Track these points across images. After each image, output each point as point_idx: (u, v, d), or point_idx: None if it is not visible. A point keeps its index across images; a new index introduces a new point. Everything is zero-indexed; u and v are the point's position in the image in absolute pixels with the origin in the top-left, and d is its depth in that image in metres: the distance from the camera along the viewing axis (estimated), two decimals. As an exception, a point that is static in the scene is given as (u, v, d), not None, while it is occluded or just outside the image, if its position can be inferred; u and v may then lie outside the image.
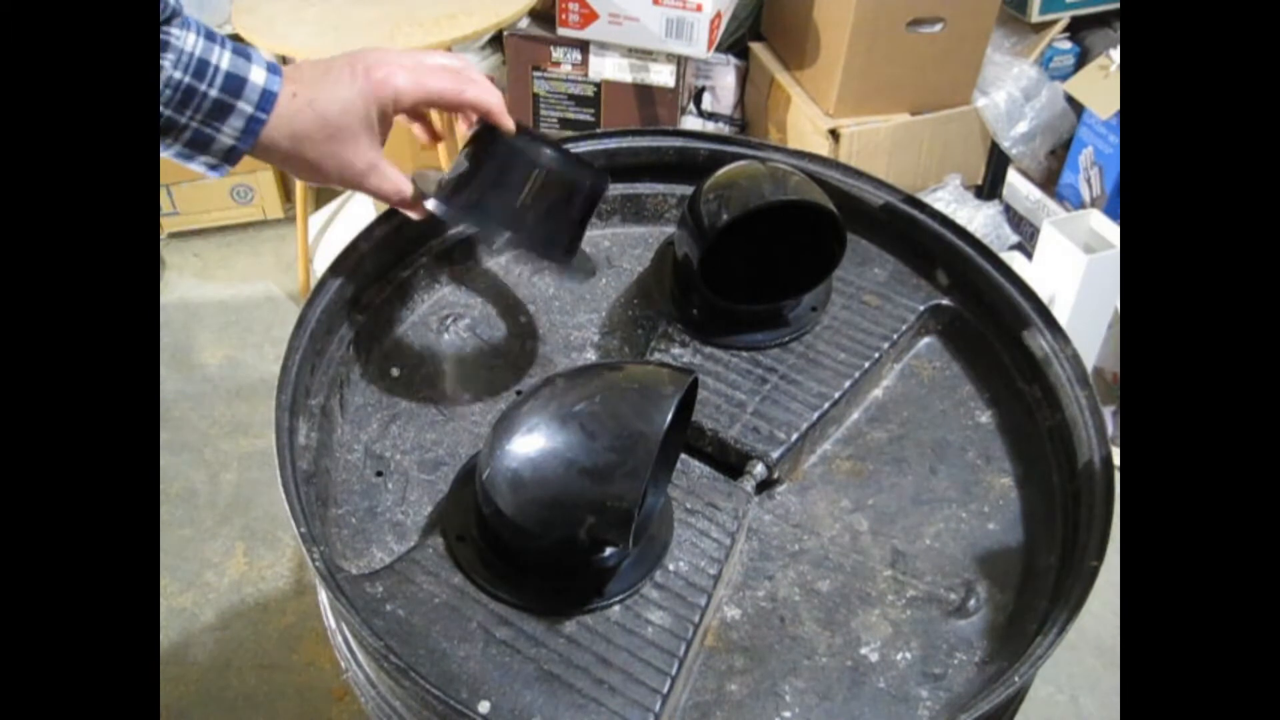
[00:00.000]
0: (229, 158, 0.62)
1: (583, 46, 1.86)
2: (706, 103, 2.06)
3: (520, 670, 0.59)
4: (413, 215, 0.71)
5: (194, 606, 1.47)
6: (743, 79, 2.06)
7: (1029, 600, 0.65)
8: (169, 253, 2.07)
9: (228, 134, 0.61)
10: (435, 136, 0.76)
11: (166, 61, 0.57)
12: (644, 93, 1.90)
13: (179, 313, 1.95)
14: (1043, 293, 0.86)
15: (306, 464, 0.67)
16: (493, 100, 0.67)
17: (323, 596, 0.70)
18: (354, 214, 2.00)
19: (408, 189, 0.68)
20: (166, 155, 0.61)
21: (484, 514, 0.60)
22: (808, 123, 1.87)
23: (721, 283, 0.75)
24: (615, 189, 0.89)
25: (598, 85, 1.91)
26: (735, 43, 2.06)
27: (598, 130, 0.88)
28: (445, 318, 0.81)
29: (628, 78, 1.89)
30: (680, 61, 1.86)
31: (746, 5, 2.02)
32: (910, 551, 0.69)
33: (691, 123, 2.03)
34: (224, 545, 1.56)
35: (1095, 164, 1.82)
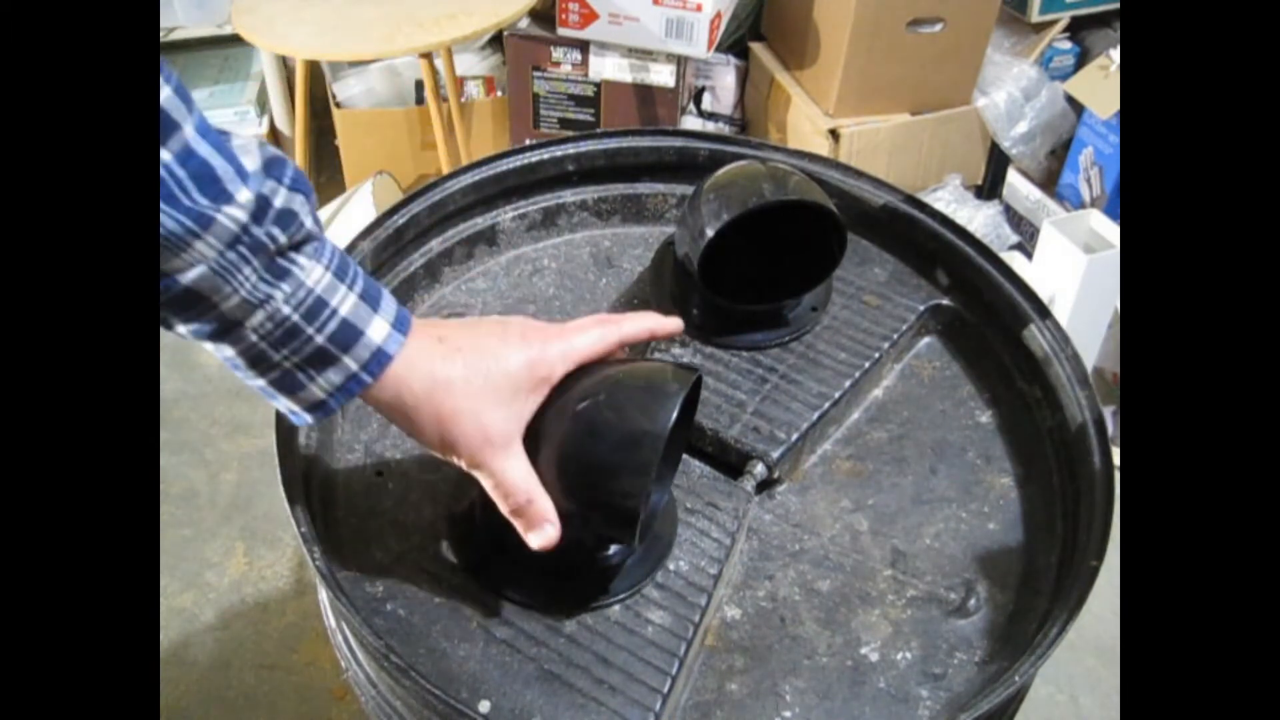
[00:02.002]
0: (316, 410, 0.53)
1: (583, 46, 1.86)
2: (706, 103, 2.06)
3: (520, 670, 0.59)
4: (530, 540, 0.57)
5: (194, 606, 1.47)
6: (743, 79, 2.07)
7: (1029, 600, 0.65)
8: (169, 253, 2.07)
9: (320, 387, 0.52)
10: None
11: (280, 293, 0.49)
12: (644, 93, 1.91)
13: (179, 313, 1.95)
14: (1043, 293, 0.86)
15: (306, 464, 0.67)
16: (647, 322, 0.61)
17: (323, 596, 0.70)
18: (354, 214, 2.00)
19: (547, 509, 0.56)
20: (251, 385, 0.52)
21: (488, 513, 0.60)
22: (808, 123, 1.87)
23: (721, 283, 0.75)
24: (615, 189, 0.89)
25: (598, 85, 1.91)
26: (735, 43, 2.06)
27: (598, 130, 0.88)
28: (446, 318, 0.81)
29: (628, 78, 1.89)
30: (680, 61, 1.86)
31: (746, 5, 2.02)
32: (910, 551, 0.69)
33: (691, 123, 2.04)
34: (224, 545, 1.56)
35: (1095, 164, 1.82)
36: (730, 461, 0.72)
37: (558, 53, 1.88)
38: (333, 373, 0.52)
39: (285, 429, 0.65)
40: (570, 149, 0.85)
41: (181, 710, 1.35)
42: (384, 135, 2.01)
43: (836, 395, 0.74)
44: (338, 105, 2.00)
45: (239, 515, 1.60)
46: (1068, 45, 1.97)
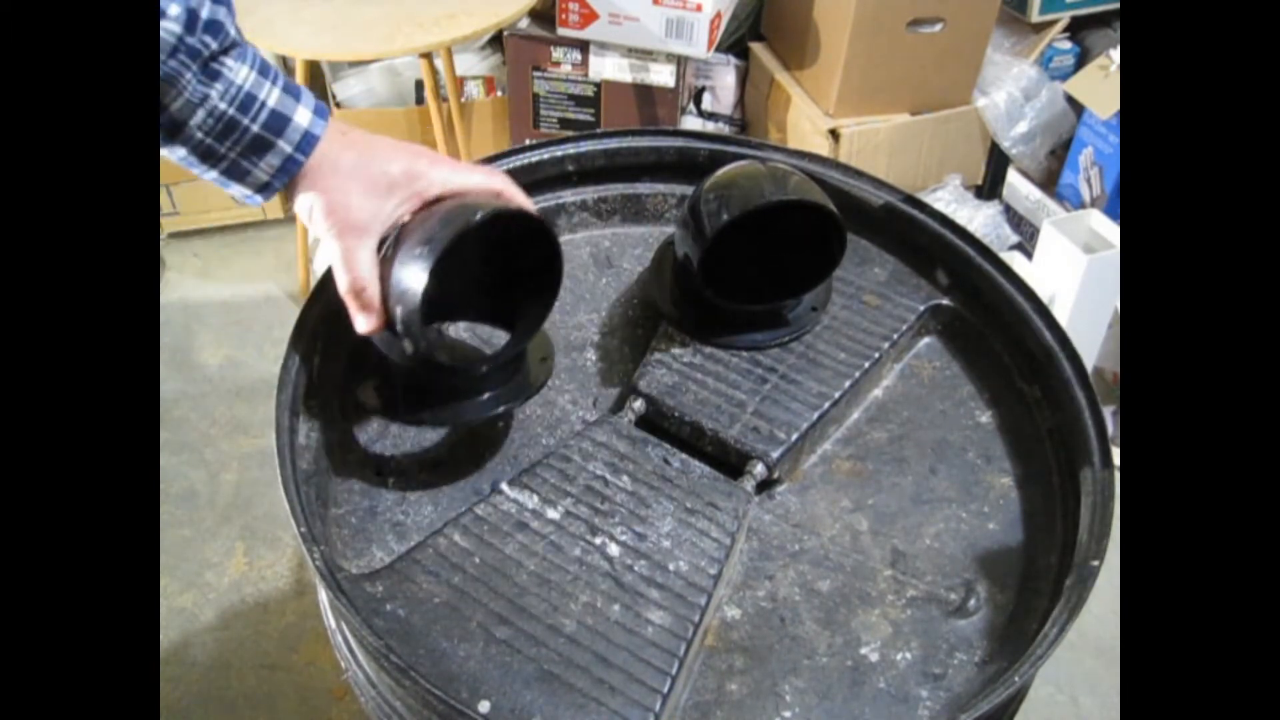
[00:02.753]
0: (264, 191, 0.62)
1: (583, 46, 1.86)
2: (706, 103, 2.06)
3: (520, 670, 0.59)
4: (358, 324, 0.64)
5: (194, 606, 1.47)
6: (743, 79, 2.06)
7: (1029, 600, 0.65)
8: (169, 253, 2.07)
9: (263, 170, 0.61)
10: None
11: (214, 91, 0.57)
12: (644, 93, 1.90)
13: (179, 313, 1.95)
14: (1043, 293, 0.86)
15: (306, 464, 0.67)
16: (528, 203, 0.68)
17: (323, 596, 0.70)
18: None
19: (377, 298, 0.64)
20: (205, 177, 0.61)
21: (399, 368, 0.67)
22: (808, 123, 1.87)
23: (721, 283, 0.75)
24: (615, 189, 0.89)
25: (598, 85, 1.91)
26: (735, 43, 2.06)
27: (598, 130, 0.88)
28: (445, 318, 0.81)
29: (628, 78, 1.89)
30: (680, 61, 1.86)
31: (746, 5, 2.02)
32: (910, 551, 0.69)
33: (691, 123, 2.03)
34: (224, 545, 1.56)
35: (1095, 164, 1.82)
36: (730, 461, 0.72)
37: (558, 53, 1.88)
38: (271, 156, 0.60)
39: (285, 429, 0.65)
40: (570, 149, 0.85)
41: (181, 710, 1.35)
42: (384, 135, 2.00)
43: (836, 395, 0.74)
44: (338, 105, 2.00)
45: (239, 515, 1.60)
46: (1068, 45, 1.97)
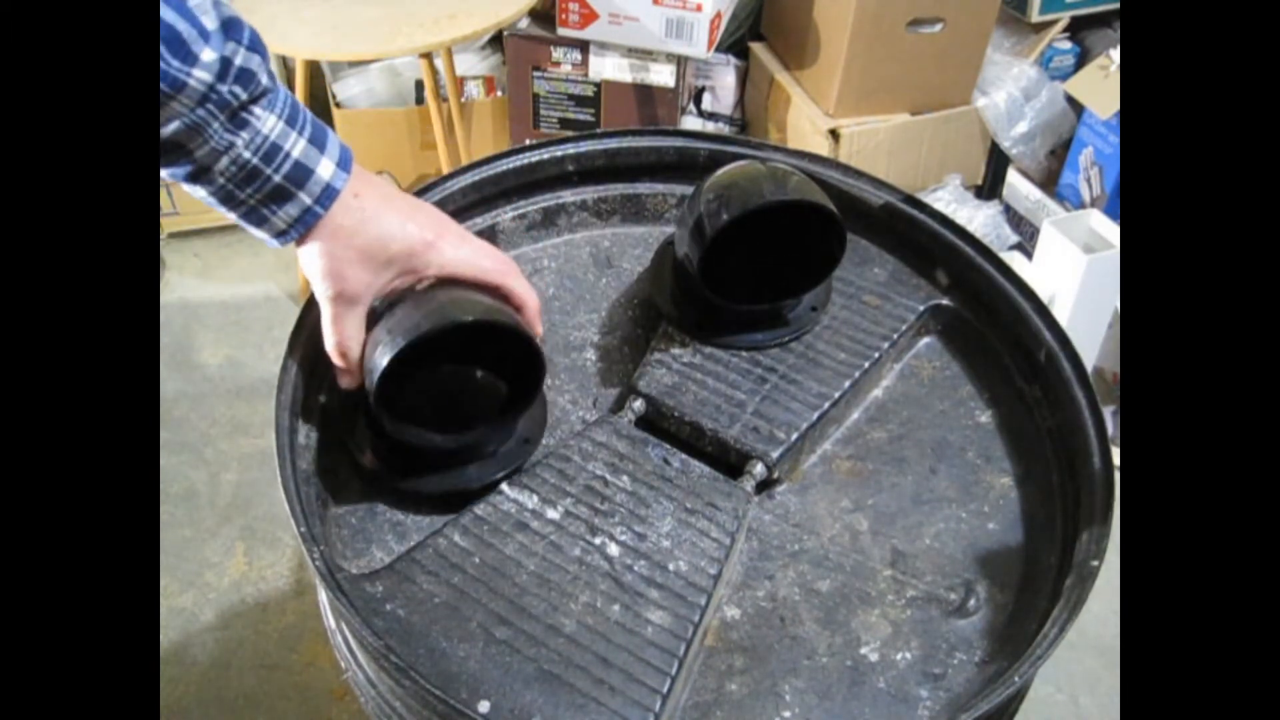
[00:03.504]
0: (280, 237, 0.62)
1: (583, 46, 1.86)
2: (706, 103, 2.06)
3: (520, 670, 0.59)
4: (341, 381, 0.68)
5: (194, 606, 1.47)
6: (743, 79, 2.07)
7: (1029, 600, 0.65)
8: (169, 253, 2.07)
9: (281, 219, 0.61)
10: None
11: (240, 140, 0.57)
12: (644, 93, 1.91)
13: (179, 313, 1.95)
14: (1043, 293, 0.86)
15: (306, 464, 0.67)
16: (531, 300, 0.69)
17: (323, 596, 0.70)
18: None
19: (357, 365, 0.66)
20: (229, 218, 0.61)
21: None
22: (808, 123, 1.87)
23: (721, 283, 0.75)
24: (615, 189, 0.89)
25: (598, 85, 1.91)
26: (735, 43, 2.06)
27: (598, 130, 0.88)
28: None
29: (628, 78, 1.89)
30: (680, 61, 1.86)
31: (746, 5, 2.02)
32: (910, 551, 0.69)
33: (691, 123, 2.04)
34: (224, 545, 1.56)
35: (1095, 164, 1.82)
36: (730, 461, 0.72)
37: (558, 53, 1.88)
38: (290, 206, 0.60)
39: (285, 429, 0.65)
40: (570, 149, 0.85)
41: (181, 710, 1.35)
42: (384, 135, 2.00)
43: (836, 395, 0.74)
44: (338, 105, 2.00)
45: (239, 515, 1.60)
46: (1068, 45, 1.97)
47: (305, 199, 0.60)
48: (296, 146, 0.59)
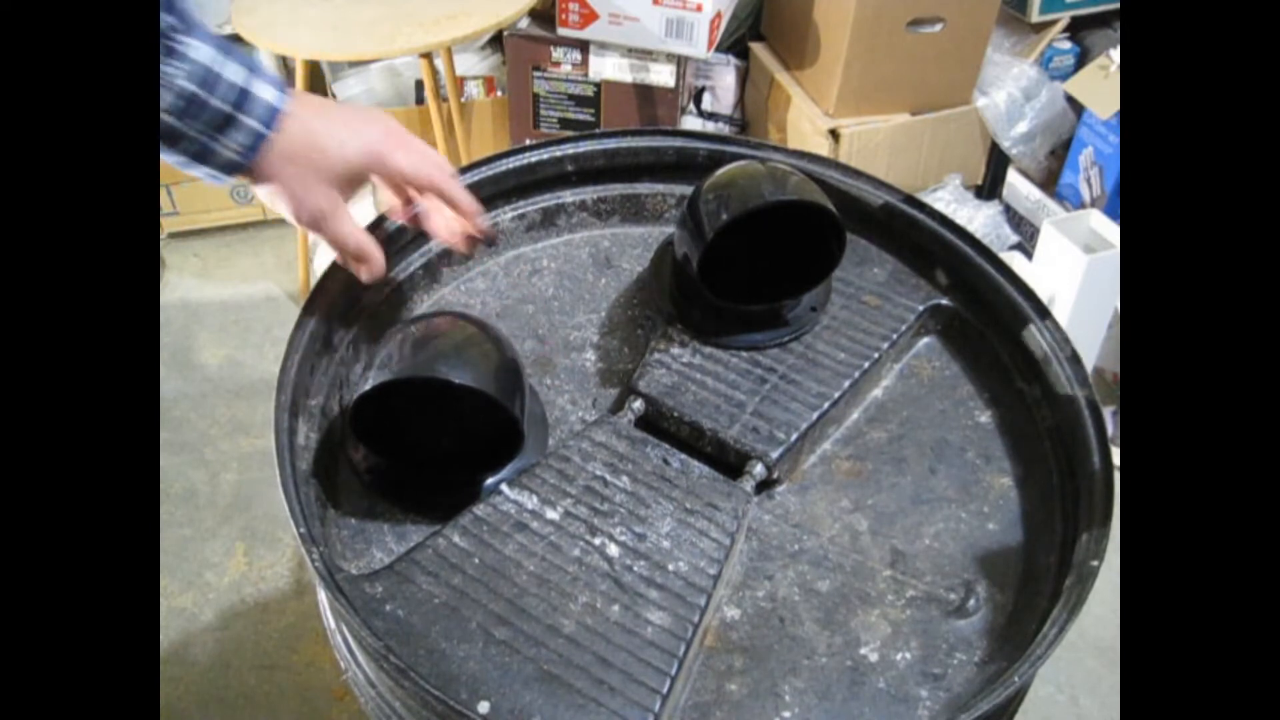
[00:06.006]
0: (229, 170, 0.62)
1: (583, 46, 1.86)
2: (706, 103, 2.06)
3: (520, 670, 0.59)
4: (361, 275, 0.70)
5: (194, 606, 1.47)
6: (743, 79, 2.06)
7: (1029, 600, 0.65)
8: (169, 253, 2.07)
9: (230, 148, 0.60)
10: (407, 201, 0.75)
11: (179, 71, 0.57)
12: (644, 93, 1.90)
13: (179, 313, 1.95)
14: (1043, 293, 0.86)
15: (306, 464, 0.67)
16: (470, 205, 0.71)
17: (322, 596, 0.70)
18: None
19: (373, 249, 0.68)
20: (169, 160, 0.61)
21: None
22: (808, 123, 1.87)
23: (721, 283, 0.75)
24: (614, 189, 0.89)
25: (598, 85, 1.91)
26: (735, 43, 2.06)
27: (597, 130, 0.88)
28: (445, 318, 0.80)
29: (628, 78, 1.89)
30: (680, 61, 1.86)
31: (746, 5, 2.02)
32: (910, 551, 0.69)
33: (691, 123, 2.03)
34: (224, 545, 1.56)
35: (1095, 164, 1.82)
36: (730, 461, 0.72)
37: (558, 53, 1.88)
38: (237, 133, 0.60)
39: (285, 429, 0.65)
40: (570, 149, 0.85)
41: (181, 710, 1.35)
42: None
43: (836, 395, 0.74)
44: (338, 105, 1.99)
45: (239, 515, 1.60)
46: (1068, 45, 1.97)
47: (250, 122, 0.60)
48: (233, 72, 0.59)
